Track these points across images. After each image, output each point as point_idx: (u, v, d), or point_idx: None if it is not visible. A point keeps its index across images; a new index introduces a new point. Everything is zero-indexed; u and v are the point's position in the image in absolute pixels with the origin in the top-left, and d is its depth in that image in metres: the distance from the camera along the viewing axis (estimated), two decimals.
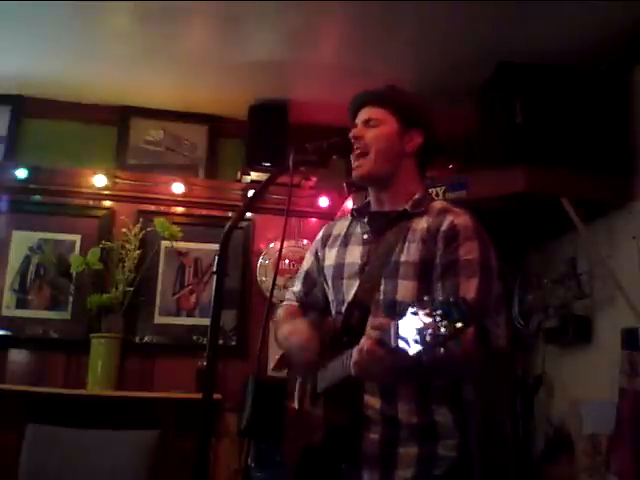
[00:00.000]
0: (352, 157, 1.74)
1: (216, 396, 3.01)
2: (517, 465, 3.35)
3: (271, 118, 3.67)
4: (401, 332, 1.20)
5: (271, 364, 3.43)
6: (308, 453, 1.64)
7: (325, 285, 1.83)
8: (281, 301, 2.00)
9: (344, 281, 1.72)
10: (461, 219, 1.63)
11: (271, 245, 3.79)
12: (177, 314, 3.62)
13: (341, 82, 3.42)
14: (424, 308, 1.15)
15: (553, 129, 2.81)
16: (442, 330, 1.11)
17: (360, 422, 1.58)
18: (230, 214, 3.62)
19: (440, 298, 1.46)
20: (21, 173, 3.51)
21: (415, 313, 1.16)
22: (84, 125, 3.75)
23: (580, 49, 2.85)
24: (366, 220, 1.77)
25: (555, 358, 3.26)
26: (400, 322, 1.21)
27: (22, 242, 3.52)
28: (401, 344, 1.20)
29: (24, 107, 3.71)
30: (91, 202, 3.66)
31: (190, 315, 3.63)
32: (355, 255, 1.73)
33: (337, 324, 1.68)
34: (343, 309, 1.69)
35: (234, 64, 3.29)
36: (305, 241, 3.84)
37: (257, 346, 3.53)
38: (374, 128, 1.73)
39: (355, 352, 1.39)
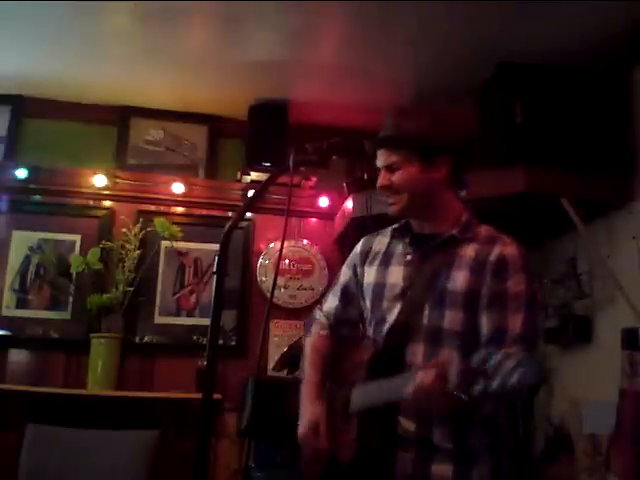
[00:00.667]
0: (384, 194, 1.73)
1: (216, 396, 3.01)
2: (517, 465, 3.35)
3: (271, 118, 3.67)
4: (467, 379, 1.26)
5: (271, 364, 3.48)
6: (332, 469, 1.63)
7: (363, 303, 1.79)
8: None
9: (384, 302, 1.68)
10: (509, 249, 1.61)
11: (271, 245, 3.79)
12: (177, 314, 3.62)
13: (341, 82, 3.43)
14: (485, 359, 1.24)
15: (553, 129, 2.81)
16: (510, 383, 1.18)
17: (393, 442, 1.56)
18: (230, 214, 3.62)
19: (485, 328, 1.54)
20: (21, 173, 3.51)
21: (478, 362, 1.26)
22: (84, 125, 3.76)
23: (580, 49, 2.85)
24: (408, 241, 1.73)
25: (555, 358, 3.26)
26: (466, 369, 1.28)
27: (22, 242, 3.52)
28: (462, 392, 1.26)
29: (24, 107, 3.71)
30: (91, 202, 3.66)
31: (190, 315, 3.63)
32: (397, 276, 1.69)
33: (377, 346, 1.66)
34: (383, 329, 1.66)
35: (234, 64, 3.29)
36: (305, 241, 3.84)
37: (257, 346, 3.53)
38: (397, 172, 1.68)
39: (416, 385, 1.37)
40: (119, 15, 2.91)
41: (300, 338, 3.46)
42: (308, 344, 1.86)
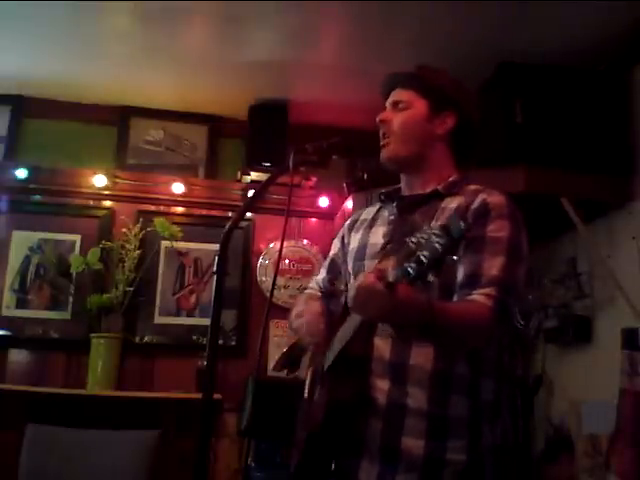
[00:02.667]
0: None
1: (216, 396, 3.01)
2: (517, 466, 3.35)
3: (271, 118, 3.67)
4: (400, 262, 1.17)
5: (271, 364, 3.48)
6: (309, 443, 1.55)
7: (345, 270, 1.76)
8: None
9: (365, 262, 1.63)
10: (495, 198, 1.54)
11: (271, 245, 3.79)
12: (177, 314, 3.62)
13: (341, 82, 3.43)
14: (416, 237, 1.14)
15: (553, 129, 2.81)
16: (437, 246, 1.10)
17: (364, 405, 1.48)
18: (230, 214, 3.62)
19: (461, 273, 1.46)
20: (21, 173, 3.51)
21: (411, 243, 1.15)
22: (84, 125, 3.76)
23: (580, 49, 2.85)
24: (395, 203, 1.69)
25: (555, 358, 3.26)
26: (399, 255, 1.19)
27: (22, 242, 3.52)
28: (399, 276, 1.17)
29: (24, 107, 3.71)
30: (91, 202, 3.66)
31: (190, 315, 3.64)
32: (378, 235, 1.65)
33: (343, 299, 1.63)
34: None
35: (234, 64, 3.29)
36: (305, 241, 3.84)
37: (257, 346, 3.53)
38: (402, 111, 1.66)
39: (351, 288, 1.33)
40: (119, 15, 2.91)
41: (300, 338, 3.48)
42: (299, 298, 1.89)
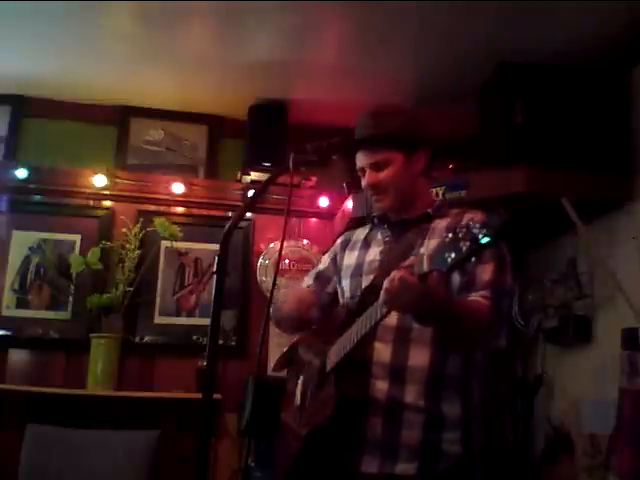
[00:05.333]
0: (368, 194, 1.81)
1: (216, 396, 3.02)
2: (517, 466, 3.35)
3: (271, 118, 3.67)
4: (435, 253, 1.30)
5: (271, 364, 3.47)
6: (313, 437, 1.64)
7: (339, 285, 1.90)
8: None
9: (363, 277, 1.78)
10: (479, 216, 1.66)
11: (271, 245, 3.79)
12: (177, 314, 3.62)
13: (341, 82, 3.43)
14: (453, 231, 1.26)
15: (553, 129, 2.81)
16: (480, 235, 1.23)
17: (366, 405, 1.61)
18: (230, 214, 3.62)
19: (456, 279, 1.63)
20: (21, 173, 3.51)
21: (448, 237, 1.27)
22: (84, 125, 3.76)
23: (580, 49, 2.85)
24: (386, 226, 1.85)
25: (555, 358, 3.26)
26: (434, 249, 1.32)
27: (22, 242, 3.52)
28: (436, 264, 1.30)
29: (24, 107, 3.71)
30: (91, 202, 3.66)
31: (190, 315, 3.64)
32: (375, 253, 1.81)
33: (350, 307, 1.74)
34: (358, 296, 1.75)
35: (234, 64, 3.29)
36: (305, 241, 3.84)
37: (257, 346, 3.53)
38: (384, 170, 1.76)
39: (386, 282, 1.42)
40: (119, 15, 2.91)
41: (300, 338, 3.47)
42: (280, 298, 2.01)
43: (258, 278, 3.74)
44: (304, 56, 3.21)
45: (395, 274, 1.40)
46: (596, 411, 2.85)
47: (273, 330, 3.61)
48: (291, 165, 1.61)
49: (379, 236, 1.86)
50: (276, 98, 3.65)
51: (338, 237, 2.04)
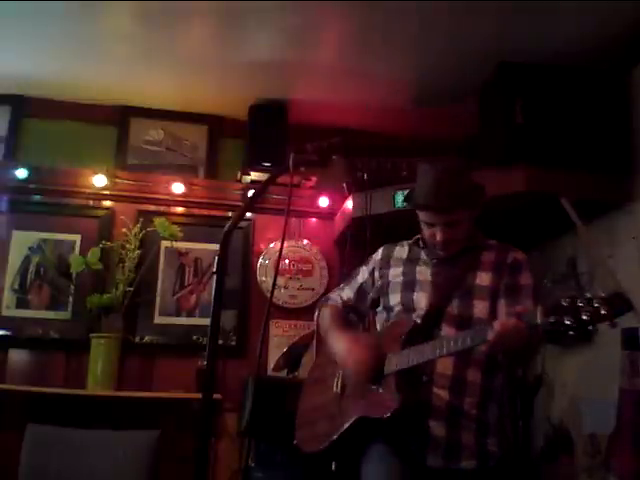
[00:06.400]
0: (438, 240, 1.95)
1: (216, 396, 3.02)
2: (517, 466, 3.35)
3: (271, 118, 3.67)
4: (552, 313, 1.51)
5: (271, 364, 3.48)
6: (359, 426, 1.84)
7: (383, 297, 2.07)
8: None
9: (415, 294, 1.97)
10: (520, 255, 1.99)
11: (271, 245, 3.79)
12: (177, 314, 3.62)
13: (341, 82, 3.43)
14: (570, 299, 1.48)
15: (553, 129, 2.81)
16: (602, 311, 1.45)
17: (426, 411, 1.83)
18: (230, 214, 3.62)
19: (502, 311, 1.86)
20: (21, 173, 3.51)
21: (566, 302, 1.49)
22: (84, 125, 3.75)
23: (580, 49, 2.86)
24: (425, 250, 2.04)
25: (555, 358, 3.26)
26: (547, 307, 1.53)
27: (22, 242, 3.52)
28: (550, 322, 1.51)
29: (24, 107, 3.71)
30: (91, 202, 3.66)
31: (190, 315, 3.63)
32: (425, 274, 1.99)
33: (412, 323, 1.92)
34: (414, 315, 1.94)
35: (234, 64, 3.29)
36: (305, 241, 3.84)
37: (257, 346, 3.53)
38: (457, 227, 1.93)
39: (498, 325, 1.63)
40: (119, 15, 2.91)
41: (299, 338, 3.48)
42: (327, 309, 2.17)
43: (258, 278, 3.73)
44: (304, 56, 3.21)
45: (509, 321, 1.63)
46: (596, 411, 2.85)
47: (273, 330, 3.62)
48: (291, 165, 1.62)
49: (423, 256, 2.04)
50: (276, 98, 3.65)
51: (374, 252, 2.19)
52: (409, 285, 2.00)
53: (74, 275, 3.44)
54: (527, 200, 2.81)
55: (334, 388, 2.00)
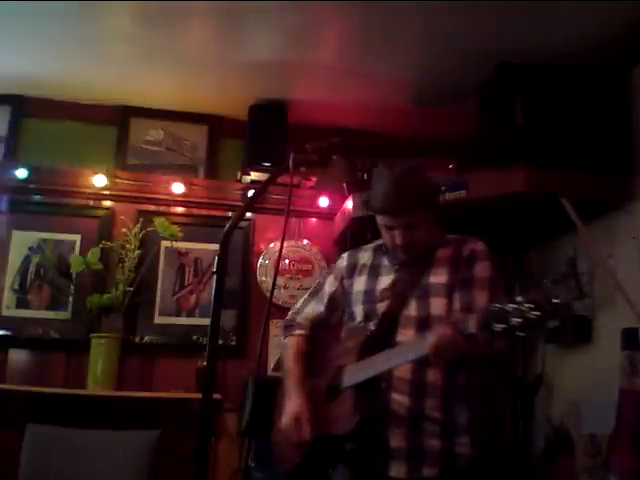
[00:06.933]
0: (399, 244, 1.89)
1: (216, 396, 3.02)
2: (517, 466, 3.35)
3: (271, 118, 3.66)
4: (484, 319, 1.48)
5: (271, 364, 3.48)
6: (323, 443, 1.81)
7: (349, 308, 2.02)
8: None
9: (377, 304, 1.91)
10: (478, 245, 1.91)
11: (271, 245, 3.79)
12: (177, 314, 3.62)
13: (341, 82, 3.43)
14: (503, 304, 1.44)
15: (553, 129, 2.81)
16: (530, 315, 1.41)
17: (386, 418, 1.77)
18: (230, 214, 3.62)
19: (457, 306, 1.81)
20: (21, 173, 3.51)
21: (495, 308, 1.46)
22: (84, 125, 3.75)
23: (580, 49, 2.85)
24: (389, 255, 1.98)
25: (555, 358, 3.26)
26: (483, 314, 1.50)
27: (22, 242, 3.52)
28: (484, 332, 1.48)
29: (24, 107, 3.71)
30: (91, 202, 3.66)
31: (190, 315, 3.63)
32: (386, 282, 1.94)
33: (369, 332, 1.87)
34: (371, 324, 1.89)
35: (234, 64, 3.29)
36: (305, 241, 3.84)
37: (257, 346, 3.53)
38: (417, 229, 1.87)
39: (434, 336, 1.59)
40: (119, 15, 2.91)
41: None
42: (290, 344, 2.08)
43: (258, 278, 3.73)
44: (304, 56, 3.21)
45: (444, 331, 1.57)
46: (596, 411, 2.84)
47: (273, 330, 3.62)
48: (291, 165, 1.61)
49: (386, 262, 1.98)
50: (276, 98, 3.65)
51: (336, 258, 2.18)
52: (369, 296, 1.95)
53: (74, 275, 3.44)
54: (527, 200, 2.80)
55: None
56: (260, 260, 3.76)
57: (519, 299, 1.43)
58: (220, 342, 3.27)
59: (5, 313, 3.43)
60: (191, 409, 3.16)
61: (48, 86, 3.59)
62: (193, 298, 3.65)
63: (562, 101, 2.85)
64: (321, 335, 2.09)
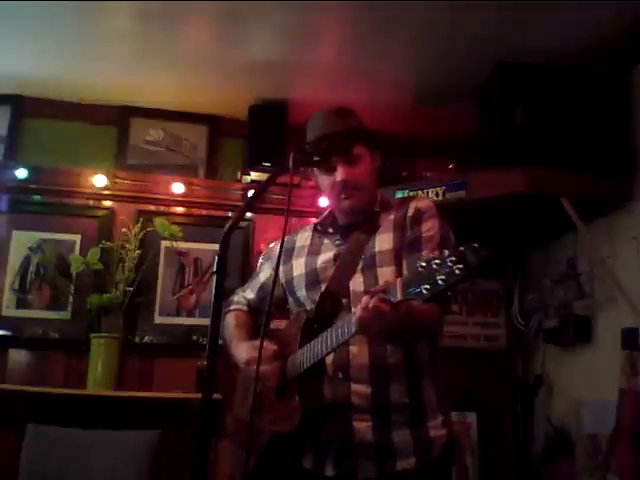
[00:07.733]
0: (339, 191, 1.78)
1: (216, 396, 3.00)
2: (517, 465, 3.35)
3: (271, 118, 3.66)
4: (409, 282, 1.30)
5: None
6: (276, 442, 1.68)
7: (292, 296, 1.89)
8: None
9: (321, 284, 1.77)
10: (422, 203, 1.77)
11: (271, 245, 3.78)
12: (177, 314, 3.62)
13: (341, 82, 3.43)
14: (430, 261, 1.25)
15: (553, 129, 2.81)
16: (456, 271, 1.20)
17: (347, 412, 1.62)
18: (230, 214, 3.61)
19: (405, 271, 1.63)
20: (21, 173, 3.50)
21: (420, 267, 1.27)
22: (84, 125, 3.75)
23: (580, 49, 2.86)
24: (331, 230, 1.87)
25: (555, 358, 3.26)
26: (407, 277, 1.32)
27: (22, 242, 3.51)
28: (410, 295, 1.29)
29: (24, 107, 3.70)
30: (91, 202, 3.65)
31: (190, 315, 3.63)
32: (327, 259, 1.80)
33: (309, 315, 1.74)
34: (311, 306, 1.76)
35: (234, 64, 3.29)
36: None
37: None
38: (357, 165, 1.77)
39: (358, 310, 1.42)
40: (119, 15, 2.91)
41: None
42: (230, 316, 2.04)
43: None
44: (304, 56, 3.21)
45: (368, 302, 1.38)
46: (596, 411, 2.85)
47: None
48: (291, 165, 1.61)
49: (327, 241, 1.86)
50: (276, 98, 3.65)
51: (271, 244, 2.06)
52: (312, 278, 1.80)
53: (74, 275, 3.44)
54: (527, 200, 2.81)
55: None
56: (260, 260, 3.76)
57: (446, 253, 1.24)
58: (220, 342, 3.26)
59: (5, 313, 3.43)
60: (191, 409, 3.16)
61: (48, 86, 3.59)
62: (193, 298, 3.65)
63: (562, 101, 2.85)
64: (258, 322, 2.01)
